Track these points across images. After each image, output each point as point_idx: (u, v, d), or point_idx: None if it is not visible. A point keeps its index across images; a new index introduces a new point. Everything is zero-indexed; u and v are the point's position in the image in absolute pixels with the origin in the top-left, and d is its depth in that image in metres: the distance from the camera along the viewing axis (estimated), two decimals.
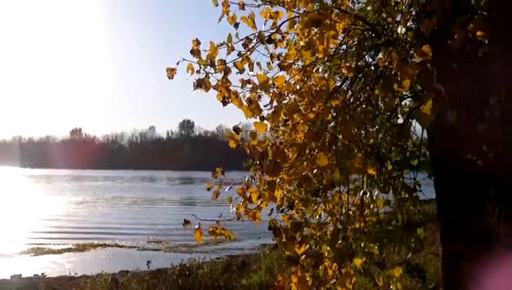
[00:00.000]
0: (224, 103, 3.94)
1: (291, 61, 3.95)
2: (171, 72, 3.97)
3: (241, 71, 3.91)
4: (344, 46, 3.91)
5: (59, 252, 21.82)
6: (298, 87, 3.91)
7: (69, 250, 22.23)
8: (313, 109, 3.66)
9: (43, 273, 17.18)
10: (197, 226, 4.01)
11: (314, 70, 3.93)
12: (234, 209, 4.07)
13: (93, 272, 16.42)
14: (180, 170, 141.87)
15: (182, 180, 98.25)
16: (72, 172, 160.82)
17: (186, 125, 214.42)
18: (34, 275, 16.92)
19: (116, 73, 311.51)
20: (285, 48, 4.14)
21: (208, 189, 4.54)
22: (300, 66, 3.97)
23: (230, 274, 14.35)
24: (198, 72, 3.90)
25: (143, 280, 13.53)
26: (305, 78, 4.01)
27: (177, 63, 3.88)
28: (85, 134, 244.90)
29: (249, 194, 3.91)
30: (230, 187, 4.29)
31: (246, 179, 4.09)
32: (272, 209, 3.98)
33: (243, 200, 4.01)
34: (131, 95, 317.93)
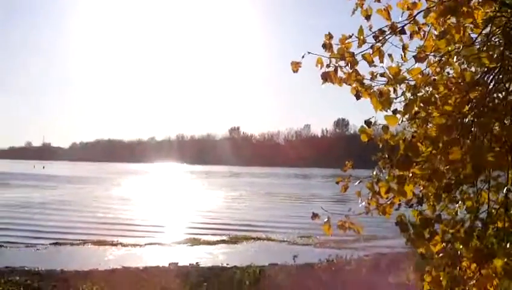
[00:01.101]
0: (358, 97, 3.86)
1: (428, 53, 3.77)
2: (295, 66, 3.96)
3: (370, 63, 3.81)
4: (484, 35, 3.67)
5: (214, 243, 22.74)
6: (434, 78, 3.73)
7: (223, 242, 23.08)
8: (449, 101, 3.48)
9: (197, 263, 18.00)
10: (326, 220, 3.98)
11: (450, 61, 3.73)
12: (364, 203, 3.99)
13: (244, 264, 16.86)
14: (335, 167, 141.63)
15: (336, 177, 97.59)
16: (230, 168, 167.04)
17: (341, 123, 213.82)
18: (190, 263, 17.80)
19: (272, 72, 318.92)
20: (421, 39, 3.96)
21: (337, 183, 4.50)
22: (436, 58, 3.79)
23: (377, 272, 14.07)
24: (328, 66, 3.86)
25: (290, 274, 13.69)
26: (442, 70, 3.82)
27: (302, 57, 3.86)
28: (243, 132, 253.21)
29: (378, 188, 3.81)
30: (360, 181, 4.21)
31: (374, 173, 3.99)
32: (399, 205, 3.85)
33: (371, 194, 3.92)
34: (287, 94, 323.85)
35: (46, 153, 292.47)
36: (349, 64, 3.84)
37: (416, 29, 3.99)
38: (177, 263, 17.70)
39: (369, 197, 3.94)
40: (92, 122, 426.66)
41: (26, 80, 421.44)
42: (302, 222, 26.85)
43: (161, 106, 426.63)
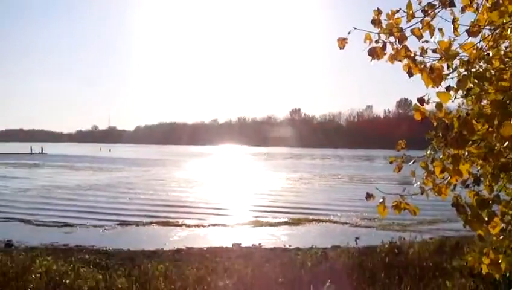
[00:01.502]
0: (410, 74, 3.78)
1: (481, 27, 3.64)
2: (342, 43, 3.90)
3: (420, 38, 3.72)
4: None
5: (276, 225, 22.82)
6: (488, 53, 3.61)
7: (285, 223, 23.15)
8: (504, 76, 3.38)
9: (260, 244, 18.14)
10: (380, 200, 3.95)
11: (505, 34, 3.60)
12: (419, 183, 3.94)
13: (306, 245, 16.90)
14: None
15: (399, 159, 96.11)
16: (291, 150, 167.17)
17: (404, 104, 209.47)
18: (252, 244, 17.96)
19: (333, 52, 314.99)
20: (474, 12, 3.82)
21: (390, 162, 4.45)
22: (490, 31, 3.66)
23: (441, 255, 13.81)
24: (377, 42, 3.79)
25: (352, 256, 13.63)
26: (496, 44, 3.69)
27: (348, 33, 3.80)
28: (304, 114, 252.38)
29: (432, 168, 3.75)
30: (414, 161, 4.15)
31: (428, 153, 3.93)
32: (454, 185, 3.76)
33: (426, 174, 3.87)
34: (349, 74, 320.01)
35: (111, 136, 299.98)
36: (398, 40, 3.77)
37: (469, 2, 3.87)
38: (240, 244, 17.91)
39: (424, 177, 3.89)
40: (155, 105, 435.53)
41: (92, 67, 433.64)
42: (364, 204, 26.54)
43: (223, 88, 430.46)
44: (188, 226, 22.27)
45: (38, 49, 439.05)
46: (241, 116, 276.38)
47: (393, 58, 3.79)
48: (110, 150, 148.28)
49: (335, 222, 23.71)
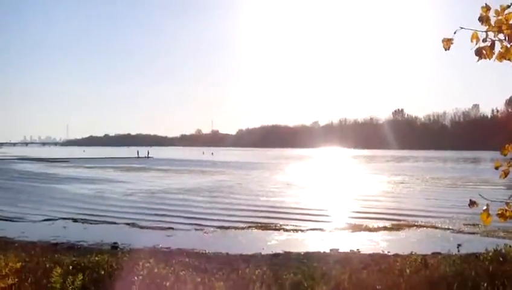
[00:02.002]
0: None
1: None
2: (447, 43, 3.75)
3: None
4: None
5: (375, 230, 22.41)
6: None
7: (384, 228, 22.65)
8: None
9: (358, 249, 17.87)
10: (484, 208, 3.79)
11: None
12: None
13: (405, 251, 16.45)
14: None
15: (507, 161, 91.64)
16: (394, 152, 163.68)
17: None
18: (350, 250, 17.73)
19: (436, 51, 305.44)
20: None
21: (496, 168, 4.24)
22: None
23: None
24: (484, 40, 3.62)
25: (453, 263, 13.15)
26: None
27: (454, 33, 3.65)
28: (407, 114, 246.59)
29: None
30: None
31: None
32: None
33: None
34: (453, 72, 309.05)
35: (214, 139, 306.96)
36: (508, 37, 3.60)
37: None
38: (338, 249, 17.75)
39: None
40: (257, 108, 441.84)
41: (197, 72, 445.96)
42: (467, 209, 25.42)
43: (324, 90, 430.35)
44: (286, 230, 22.34)
45: (147, 55, 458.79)
46: (342, 118, 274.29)
47: (502, 56, 3.61)
48: (212, 154, 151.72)
49: (436, 228, 22.93)
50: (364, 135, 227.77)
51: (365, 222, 24.16)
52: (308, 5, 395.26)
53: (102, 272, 9.22)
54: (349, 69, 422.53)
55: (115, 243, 18.82)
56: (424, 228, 22.81)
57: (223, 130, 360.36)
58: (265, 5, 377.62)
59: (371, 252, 17.43)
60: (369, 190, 40.18)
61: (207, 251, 17.36)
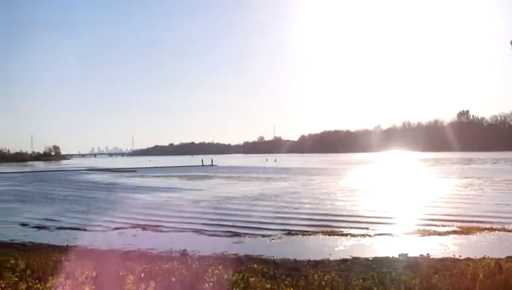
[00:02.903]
0: None
1: None
2: None
3: None
4: None
5: (444, 234, 21.84)
6: None
7: (454, 232, 22.05)
8: None
9: (428, 254, 17.46)
10: None
11: None
12: None
13: (477, 255, 16.03)
14: None
15: None
16: (460, 155, 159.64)
17: None
18: (420, 254, 17.34)
19: (502, 51, 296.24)
20: None
21: None
22: None
23: None
24: None
25: None
26: None
27: None
28: (472, 116, 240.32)
29: None
30: None
31: None
32: None
33: None
34: None
35: (276, 146, 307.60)
36: None
37: None
38: (407, 254, 17.43)
39: None
40: (319, 114, 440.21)
41: (259, 80, 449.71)
42: None
43: (386, 93, 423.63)
44: (354, 235, 22.13)
45: (209, 65, 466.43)
46: (406, 120, 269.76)
47: None
48: (275, 160, 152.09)
49: (509, 231, 22.20)
50: (428, 138, 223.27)
51: (434, 226, 23.68)
52: (369, 5, 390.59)
53: (173, 279, 9.38)
54: (413, 71, 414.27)
55: (184, 250, 19.12)
56: (496, 231, 22.13)
57: (285, 137, 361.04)
58: (325, 8, 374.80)
59: (441, 256, 17.05)
60: (437, 193, 39.31)
61: (275, 257, 17.38)
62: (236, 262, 16.00)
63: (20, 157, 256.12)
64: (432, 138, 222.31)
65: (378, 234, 22.29)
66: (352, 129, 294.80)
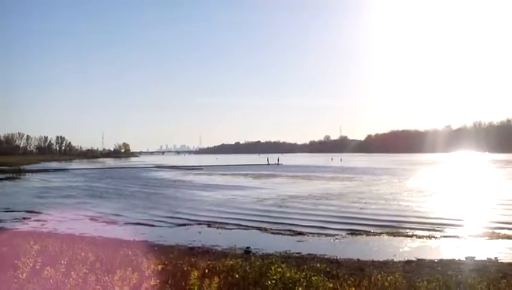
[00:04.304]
0: None
1: None
2: None
3: None
4: None
5: None
6: None
7: None
8: None
9: (496, 258, 17.00)
10: None
11: None
12: None
13: None
14: None
15: None
16: None
17: None
18: (487, 258, 16.90)
19: None
20: None
21: None
22: None
23: None
24: None
25: None
26: None
27: None
28: None
29: None
30: None
31: None
32: None
33: None
34: None
35: (342, 145, 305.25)
36: None
37: None
38: (474, 257, 16.99)
39: None
40: (386, 113, 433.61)
41: (324, 80, 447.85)
42: None
43: (457, 92, 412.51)
44: (419, 237, 21.74)
45: (275, 71, 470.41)
46: (477, 120, 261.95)
47: None
48: (341, 160, 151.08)
49: None
50: (501, 138, 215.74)
51: (504, 229, 22.95)
52: (440, 2, 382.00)
53: (237, 276, 9.54)
54: (484, 69, 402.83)
55: (248, 247, 19.32)
56: None
57: (351, 136, 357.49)
58: (392, 4, 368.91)
59: (510, 261, 16.56)
60: (508, 196, 38.01)
61: (338, 257, 17.32)
62: (299, 261, 16.07)
63: (91, 154, 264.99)
64: (504, 138, 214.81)
65: (445, 236, 21.83)
66: (421, 129, 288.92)
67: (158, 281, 7.93)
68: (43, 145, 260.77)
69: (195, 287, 7.04)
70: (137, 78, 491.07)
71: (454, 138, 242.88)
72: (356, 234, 22.66)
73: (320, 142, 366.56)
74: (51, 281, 7.07)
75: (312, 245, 20.21)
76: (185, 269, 10.10)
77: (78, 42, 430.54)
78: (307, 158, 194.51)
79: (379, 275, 12.02)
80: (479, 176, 65.28)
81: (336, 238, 21.81)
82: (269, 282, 8.55)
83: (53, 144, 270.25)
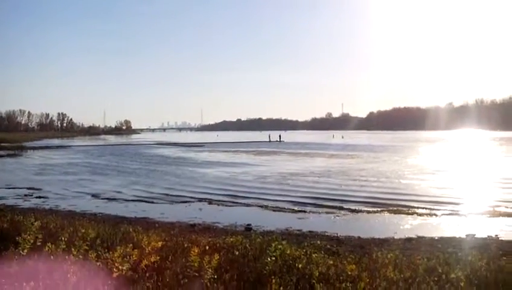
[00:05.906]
0: None
1: None
2: None
3: None
4: None
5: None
6: None
7: None
8: None
9: (496, 235, 17.03)
10: None
11: None
12: None
13: None
14: None
15: None
16: None
17: None
18: (488, 236, 16.94)
19: None
20: None
21: None
22: None
23: None
24: None
25: None
26: None
27: None
28: None
29: None
30: None
31: None
32: None
33: None
34: None
35: (344, 122, 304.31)
36: None
37: None
38: (474, 235, 17.05)
39: None
40: (389, 90, 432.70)
41: (328, 57, 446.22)
42: None
43: (459, 69, 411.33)
44: (420, 214, 21.76)
45: (278, 47, 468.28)
46: (479, 98, 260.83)
47: None
48: (342, 137, 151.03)
49: None
50: (503, 116, 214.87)
51: (504, 207, 23.00)
52: None
53: (237, 253, 9.56)
54: (487, 46, 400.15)
55: (249, 224, 19.39)
56: None
57: (353, 113, 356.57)
58: None
59: (511, 238, 16.59)
60: (509, 174, 37.95)
61: (338, 234, 17.39)
62: (300, 238, 16.13)
63: (92, 131, 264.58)
64: (506, 116, 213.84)
65: (446, 214, 21.87)
66: (423, 106, 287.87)
67: (158, 257, 7.95)
68: (44, 122, 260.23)
69: (196, 264, 7.04)
70: (140, 55, 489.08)
71: (456, 115, 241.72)
72: (357, 212, 22.71)
73: (322, 119, 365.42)
74: (52, 257, 7.07)
75: (313, 222, 20.27)
76: (186, 245, 10.11)
77: (79, 14, 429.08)
78: (308, 135, 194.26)
79: (379, 252, 12.05)
80: (480, 154, 65.18)
81: (337, 216, 21.85)
82: (269, 259, 8.55)
83: (54, 121, 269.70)
